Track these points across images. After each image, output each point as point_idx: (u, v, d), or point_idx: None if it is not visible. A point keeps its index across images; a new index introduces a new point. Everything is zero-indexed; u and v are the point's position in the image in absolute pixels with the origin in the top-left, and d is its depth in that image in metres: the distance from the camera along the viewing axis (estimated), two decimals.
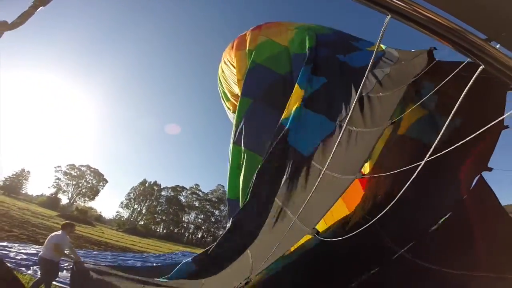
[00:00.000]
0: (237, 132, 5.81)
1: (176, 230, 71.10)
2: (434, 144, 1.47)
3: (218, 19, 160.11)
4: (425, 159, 1.54)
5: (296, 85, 5.78)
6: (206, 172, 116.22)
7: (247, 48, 7.41)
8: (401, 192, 1.82)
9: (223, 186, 67.16)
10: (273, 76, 6.61)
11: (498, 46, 1.04)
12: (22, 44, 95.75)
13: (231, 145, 5.84)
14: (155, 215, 70.99)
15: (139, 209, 71.10)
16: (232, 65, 8.16)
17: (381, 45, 6.66)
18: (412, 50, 5.69)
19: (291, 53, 7.10)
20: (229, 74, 8.64)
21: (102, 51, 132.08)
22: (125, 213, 70.70)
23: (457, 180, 5.07)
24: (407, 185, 1.69)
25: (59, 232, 5.92)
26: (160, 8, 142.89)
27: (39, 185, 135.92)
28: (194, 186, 76.68)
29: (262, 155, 5.43)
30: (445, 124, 1.45)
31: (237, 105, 6.41)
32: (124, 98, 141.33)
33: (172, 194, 74.62)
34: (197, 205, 74.64)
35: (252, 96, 6.27)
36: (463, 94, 1.21)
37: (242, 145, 5.66)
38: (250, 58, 7.00)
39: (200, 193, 75.97)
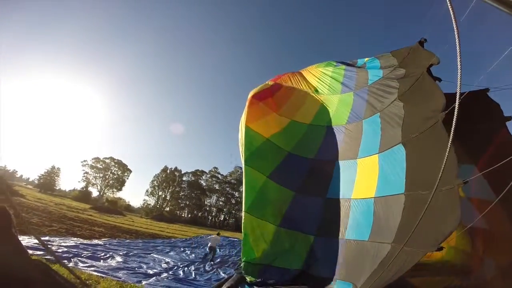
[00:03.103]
0: (284, 217, 6.62)
1: (200, 214, 74.18)
2: None
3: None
4: None
5: (375, 155, 6.51)
6: (223, 155, 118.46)
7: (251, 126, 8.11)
8: None
9: (241, 168, 68.19)
10: (305, 163, 7.14)
11: None
12: (36, 43, 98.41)
13: (245, 214, 6.58)
14: (179, 201, 74.15)
15: (163, 196, 74.42)
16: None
17: (367, 58, 7.48)
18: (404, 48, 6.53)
19: (322, 125, 7.68)
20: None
21: (113, 49, 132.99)
22: (151, 201, 74.38)
23: None
24: None
25: (218, 236, 11.73)
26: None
27: (70, 180, 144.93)
28: (213, 170, 78.86)
29: (305, 232, 6.57)
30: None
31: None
32: (137, 91, 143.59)
33: (193, 178, 77.14)
34: (217, 188, 77.07)
35: (292, 188, 6.88)
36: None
37: (286, 226, 6.53)
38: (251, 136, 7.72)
39: (219, 176, 78.13)
